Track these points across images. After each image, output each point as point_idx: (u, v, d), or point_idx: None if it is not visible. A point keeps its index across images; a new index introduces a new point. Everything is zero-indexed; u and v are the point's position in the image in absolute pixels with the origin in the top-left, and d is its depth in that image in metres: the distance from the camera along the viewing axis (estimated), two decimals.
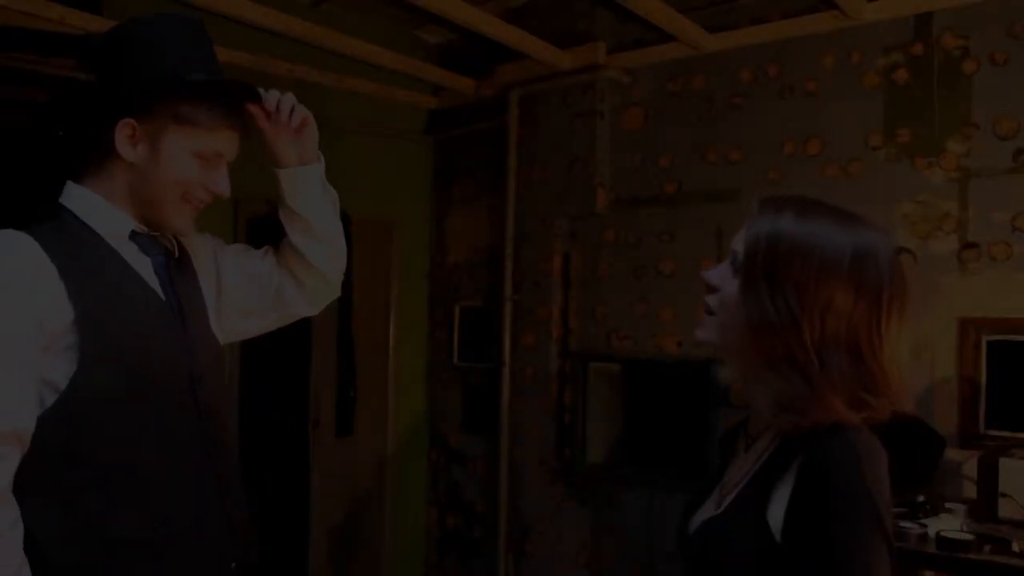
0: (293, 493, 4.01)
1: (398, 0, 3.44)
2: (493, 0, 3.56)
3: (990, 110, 2.70)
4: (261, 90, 1.43)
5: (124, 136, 1.30)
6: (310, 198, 1.53)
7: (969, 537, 2.15)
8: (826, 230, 1.06)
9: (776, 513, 1.02)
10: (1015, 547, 2.13)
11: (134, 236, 1.36)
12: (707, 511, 1.15)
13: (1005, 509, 2.30)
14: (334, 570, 4.03)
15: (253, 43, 3.27)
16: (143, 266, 1.37)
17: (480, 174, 4.10)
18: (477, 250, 4.11)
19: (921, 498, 2.39)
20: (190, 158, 1.34)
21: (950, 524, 2.27)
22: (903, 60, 2.87)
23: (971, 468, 2.51)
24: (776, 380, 1.05)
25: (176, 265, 1.44)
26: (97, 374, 1.24)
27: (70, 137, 1.38)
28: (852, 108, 2.97)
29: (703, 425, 3.25)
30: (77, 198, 1.33)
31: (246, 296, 1.57)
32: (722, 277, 1.13)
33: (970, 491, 2.55)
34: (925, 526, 2.25)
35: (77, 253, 1.27)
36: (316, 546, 3.96)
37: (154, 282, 1.37)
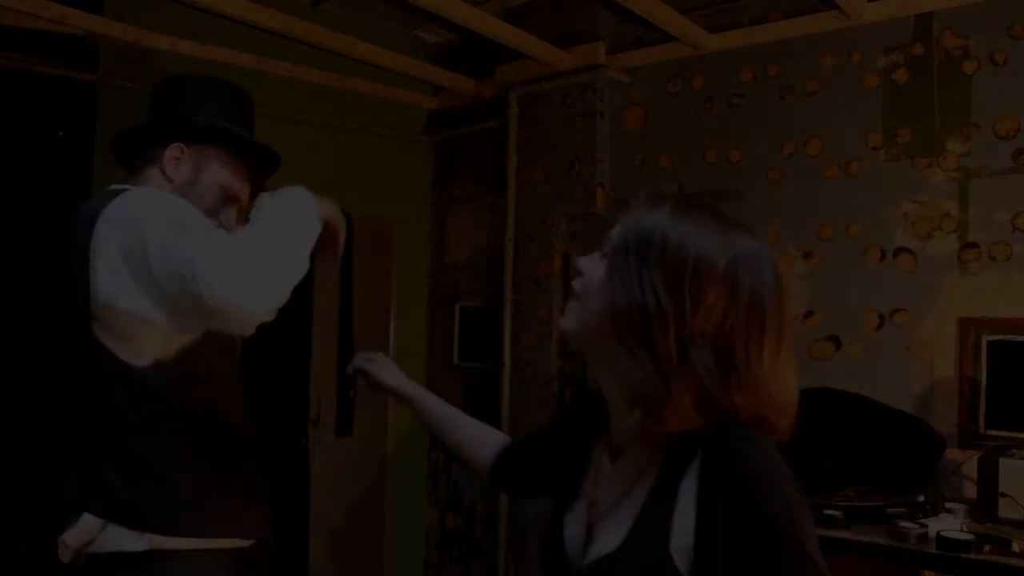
0: (293, 493, 4.01)
1: (398, 0, 3.45)
2: (493, 0, 3.56)
3: (990, 110, 2.70)
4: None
5: (171, 156, 1.55)
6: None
7: (969, 537, 2.15)
8: (705, 228, 1.00)
9: (681, 544, 0.93)
10: (1015, 547, 2.12)
11: None
12: (600, 543, 1.02)
13: (1005, 509, 2.29)
14: (334, 570, 4.03)
15: (253, 43, 3.28)
16: None
17: (480, 174, 4.10)
18: (477, 250, 4.11)
19: (921, 498, 2.39)
20: (219, 190, 1.60)
21: (950, 524, 2.27)
22: (903, 60, 2.87)
23: (971, 468, 2.51)
24: (631, 368, 0.97)
25: None
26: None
27: (129, 144, 1.61)
28: (852, 108, 2.97)
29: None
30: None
31: None
32: (592, 262, 1.06)
33: (970, 491, 2.55)
34: (925, 526, 2.24)
35: None
36: (316, 546, 3.96)
37: None
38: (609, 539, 1.01)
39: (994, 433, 2.56)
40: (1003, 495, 2.29)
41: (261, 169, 1.69)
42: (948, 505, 2.41)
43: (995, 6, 2.71)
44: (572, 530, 1.08)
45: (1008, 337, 2.58)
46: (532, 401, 3.72)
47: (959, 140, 2.76)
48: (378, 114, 3.99)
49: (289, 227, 1.40)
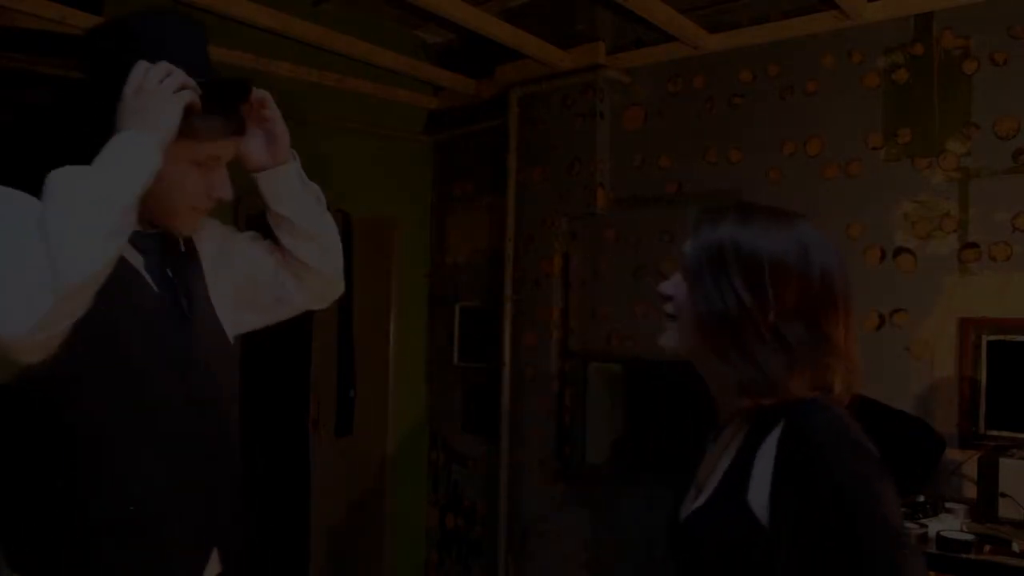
0: (293, 493, 4.01)
1: (398, 0, 3.45)
2: (493, 0, 3.56)
3: (990, 110, 2.70)
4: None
5: None
6: (291, 197, 1.50)
7: (969, 537, 2.15)
8: (769, 226, 1.12)
9: (758, 496, 1.03)
10: (1015, 547, 2.13)
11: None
12: (688, 505, 1.18)
13: (1005, 509, 2.29)
14: (334, 570, 4.03)
15: (253, 43, 3.27)
16: (135, 260, 1.34)
17: (480, 174, 4.10)
18: (477, 250, 4.11)
19: (921, 498, 2.39)
20: (188, 168, 1.31)
21: (950, 524, 2.27)
22: (903, 60, 2.87)
23: (971, 468, 2.51)
24: (726, 365, 1.11)
25: (177, 258, 1.43)
26: (79, 353, 1.19)
27: (68, 135, 1.35)
28: (852, 108, 2.97)
29: (703, 425, 3.24)
30: None
31: (251, 288, 1.56)
32: (675, 285, 1.19)
33: (970, 491, 2.54)
34: (925, 526, 2.25)
35: None
36: (316, 546, 3.96)
37: (146, 276, 1.36)
38: (701, 498, 1.15)
39: (994, 433, 2.56)
40: (1003, 495, 2.29)
41: (228, 105, 1.35)
42: (948, 505, 2.41)
43: (995, 6, 2.71)
44: (685, 507, 1.21)
45: (1008, 337, 2.58)
46: (532, 401, 3.72)
47: (959, 140, 2.76)
48: (378, 114, 3.99)
49: (66, 219, 1.08)
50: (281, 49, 3.38)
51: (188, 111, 1.26)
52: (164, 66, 1.25)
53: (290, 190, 1.50)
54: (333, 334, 3.97)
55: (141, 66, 1.25)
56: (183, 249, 1.44)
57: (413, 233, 4.26)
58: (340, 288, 1.66)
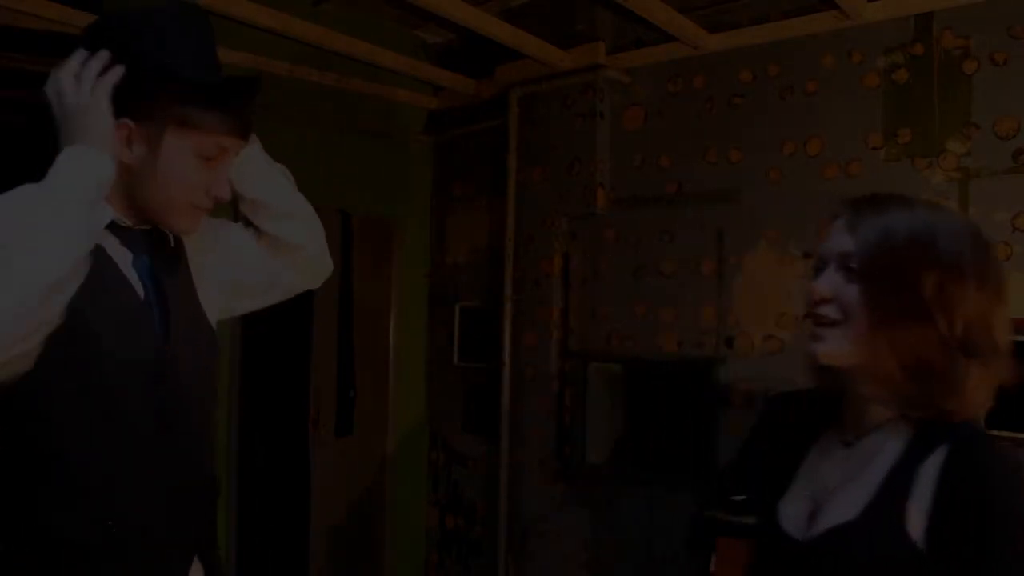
0: (293, 493, 4.01)
1: (398, 0, 3.45)
2: (493, 0, 3.56)
3: (990, 110, 2.70)
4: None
5: (120, 137, 1.23)
6: (257, 178, 1.46)
7: None
8: (938, 219, 1.03)
9: (916, 520, 0.98)
10: None
11: (116, 229, 1.28)
12: (833, 515, 1.06)
13: None
14: (334, 570, 4.03)
15: (253, 43, 3.27)
16: (122, 258, 1.30)
17: (480, 174, 4.10)
18: (477, 250, 4.11)
19: None
20: (190, 158, 1.27)
21: None
22: (903, 60, 2.87)
23: None
24: (908, 382, 1.02)
25: (166, 256, 1.38)
26: (53, 358, 1.16)
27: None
28: (852, 108, 2.97)
29: (703, 425, 3.25)
30: None
31: (241, 274, 1.53)
32: (836, 284, 1.06)
33: None
34: None
35: None
36: (316, 546, 3.96)
37: (132, 275, 1.31)
38: (841, 512, 1.04)
39: (994, 433, 2.56)
40: None
41: (236, 103, 1.32)
42: None
43: (995, 6, 2.70)
44: (791, 510, 1.13)
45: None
46: (532, 401, 3.72)
47: (959, 140, 2.76)
48: (378, 114, 3.99)
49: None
50: (281, 49, 3.38)
51: (197, 105, 1.24)
52: (74, 63, 1.21)
53: (259, 170, 1.46)
54: (333, 334, 3.97)
55: (54, 73, 1.21)
56: (172, 244, 1.39)
57: (413, 233, 4.26)
58: (329, 265, 1.64)
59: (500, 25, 3.30)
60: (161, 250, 1.37)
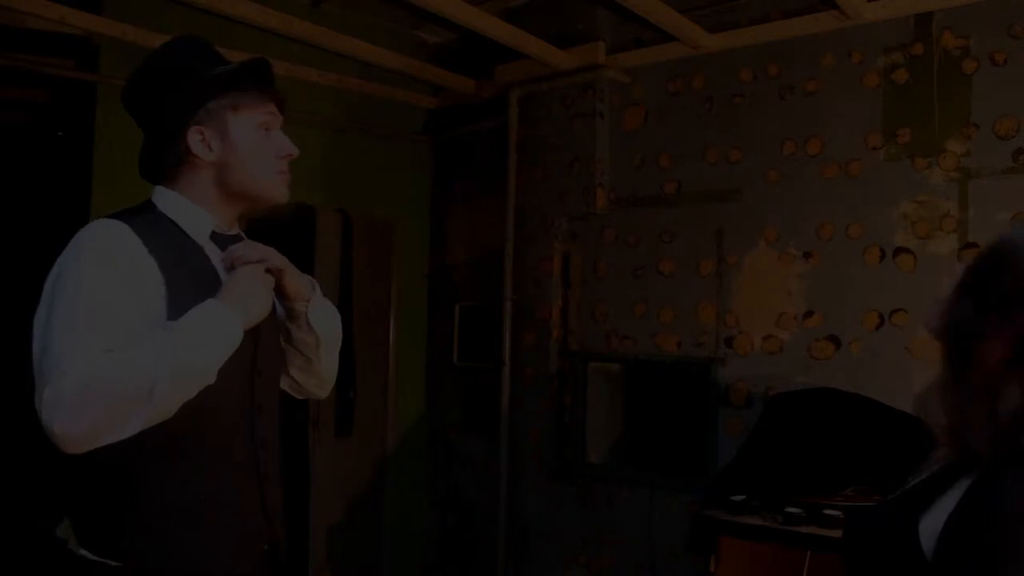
0: (293, 493, 4.00)
1: (398, 0, 3.45)
2: (493, 0, 3.56)
3: (990, 110, 2.70)
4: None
5: (197, 142, 1.44)
6: (322, 312, 1.64)
7: None
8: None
9: (929, 526, 0.96)
10: None
11: (215, 237, 1.47)
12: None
13: None
14: (334, 570, 4.03)
15: (253, 43, 3.27)
16: (221, 267, 1.47)
17: (480, 174, 4.10)
18: (477, 250, 4.11)
19: None
20: (254, 130, 1.47)
21: None
22: (903, 60, 2.87)
23: None
24: (947, 397, 0.99)
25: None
26: None
27: (149, 150, 1.51)
28: (852, 108, 2.97)
29: (703, 425, 3.25)
30: (165, 197, 1.46)
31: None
32: None
33: None
34: None
35: (166, 241, 1.40)
36: (316, 546, 3.96)
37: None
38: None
39: None
40: None
41: (265, 76, 1.54)
42: None
43: (995, 6, 2.71)
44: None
45: None
46: (532, 401, 3.72)
47: (959, 140, 2.76)
48: (378, 114, 3.99)
49: (168, 367, 1.26)
50: (281, 49, 3.38)
51: (240, 89, 1.46)
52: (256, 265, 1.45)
53: (326, 310, 1.65)
54: None
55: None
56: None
57: (413, 233, 4.25)
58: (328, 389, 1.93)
59: (500, 25, 3.30)
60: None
